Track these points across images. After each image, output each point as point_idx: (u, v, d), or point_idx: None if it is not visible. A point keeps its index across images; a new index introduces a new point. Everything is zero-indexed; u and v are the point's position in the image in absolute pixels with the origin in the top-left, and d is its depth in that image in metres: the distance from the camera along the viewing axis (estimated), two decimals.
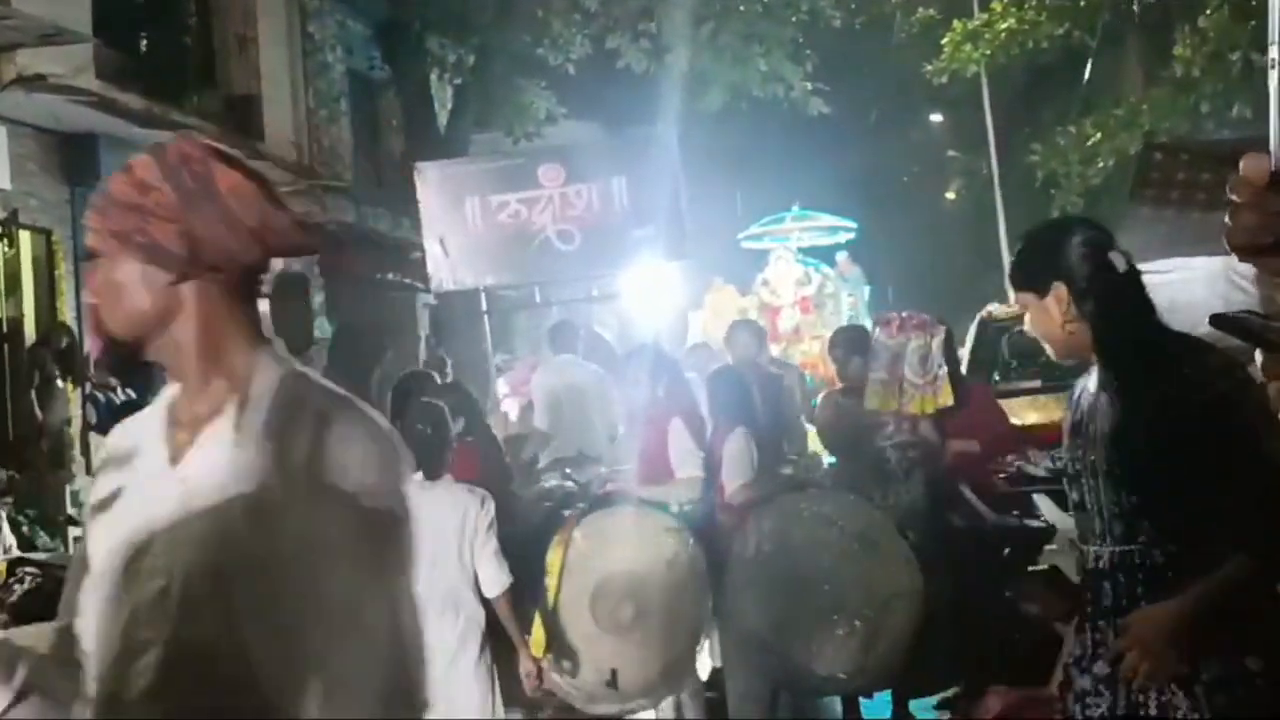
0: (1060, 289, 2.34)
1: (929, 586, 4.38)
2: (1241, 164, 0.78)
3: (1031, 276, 2.41)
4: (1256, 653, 2.16)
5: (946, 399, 4.99)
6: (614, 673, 4.17)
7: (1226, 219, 0.79)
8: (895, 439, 4.97)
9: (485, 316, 9.80)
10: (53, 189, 10.32)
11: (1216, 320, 1.61)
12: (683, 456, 4.53)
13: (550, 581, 4.18)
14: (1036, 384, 8.21)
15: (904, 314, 5.24)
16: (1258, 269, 0.80)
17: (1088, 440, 2.37)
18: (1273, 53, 0.84)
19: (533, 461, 6.44)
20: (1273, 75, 0.84)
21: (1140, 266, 2.41)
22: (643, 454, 4.83)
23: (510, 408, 8.31)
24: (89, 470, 8.77)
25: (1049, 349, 2.44)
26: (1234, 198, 0.79)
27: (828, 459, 6.11)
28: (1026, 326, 2.48)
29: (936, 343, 4.99)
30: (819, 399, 5.77)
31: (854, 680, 4.29)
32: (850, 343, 5.42)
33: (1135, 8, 14.26)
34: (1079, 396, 2.44)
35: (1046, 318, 2.38)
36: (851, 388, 5.29)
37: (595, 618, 4.19)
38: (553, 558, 4.22)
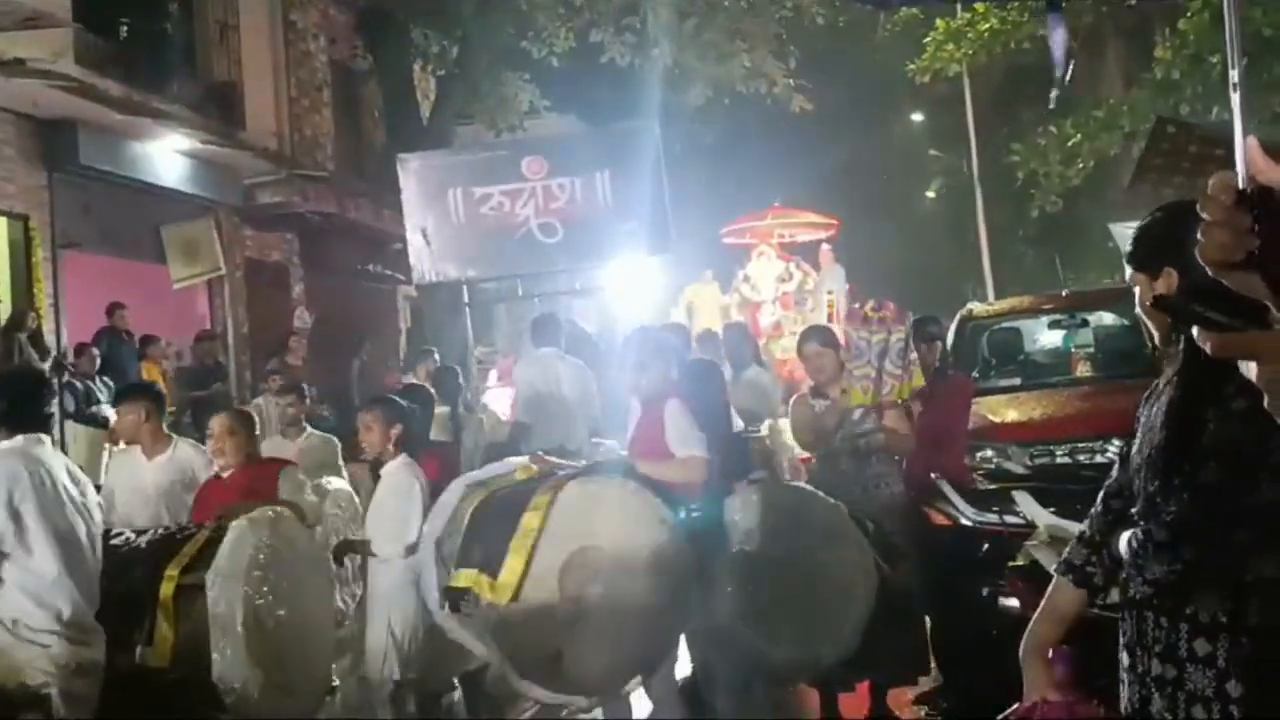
0: (1172, 275, 2.15)
1: (906, 580, 4.42)
2: (1210, 182, 0.80)
3: (1146, 256, 2.22)
4: None
5: (919, 380, 5.27)
6: (560, 653, 3.95)
7: (1198, 235, 0.81)
8: (862, 428, 5.04)
9: (467, 309, 9.81)
10: (30, 174, 10.24)
11: (1158, 302, 1.58)
12: (683, 436, 4.41)
13: (526, 541, 3.97)
14: (1016, 382, 8.27)
15: (874, 306, 5.29)
16: (1230, 284, 0.81)
17: (1141, 431, 2.22)
18: (1233, 75, 0.86)
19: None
20: (1235, 97, 0.86)
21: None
22: (637, 437, 4.71)
23: (499, 397, 8.30)
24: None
25: (1154, 335, 2.26)
26: (1205, 215, 0.80)
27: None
28: (1137, 308, 2.30)
29: (908, 330, 5.29)
30: (791, 400, 5.81)
31: (818, 663, 4.33)
32: (823, 341, 5.42)
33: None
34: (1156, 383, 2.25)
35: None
36: (819, 388, 5.30)
37: (561, 589, 3.92)
38: (531, 518, 4.00)
